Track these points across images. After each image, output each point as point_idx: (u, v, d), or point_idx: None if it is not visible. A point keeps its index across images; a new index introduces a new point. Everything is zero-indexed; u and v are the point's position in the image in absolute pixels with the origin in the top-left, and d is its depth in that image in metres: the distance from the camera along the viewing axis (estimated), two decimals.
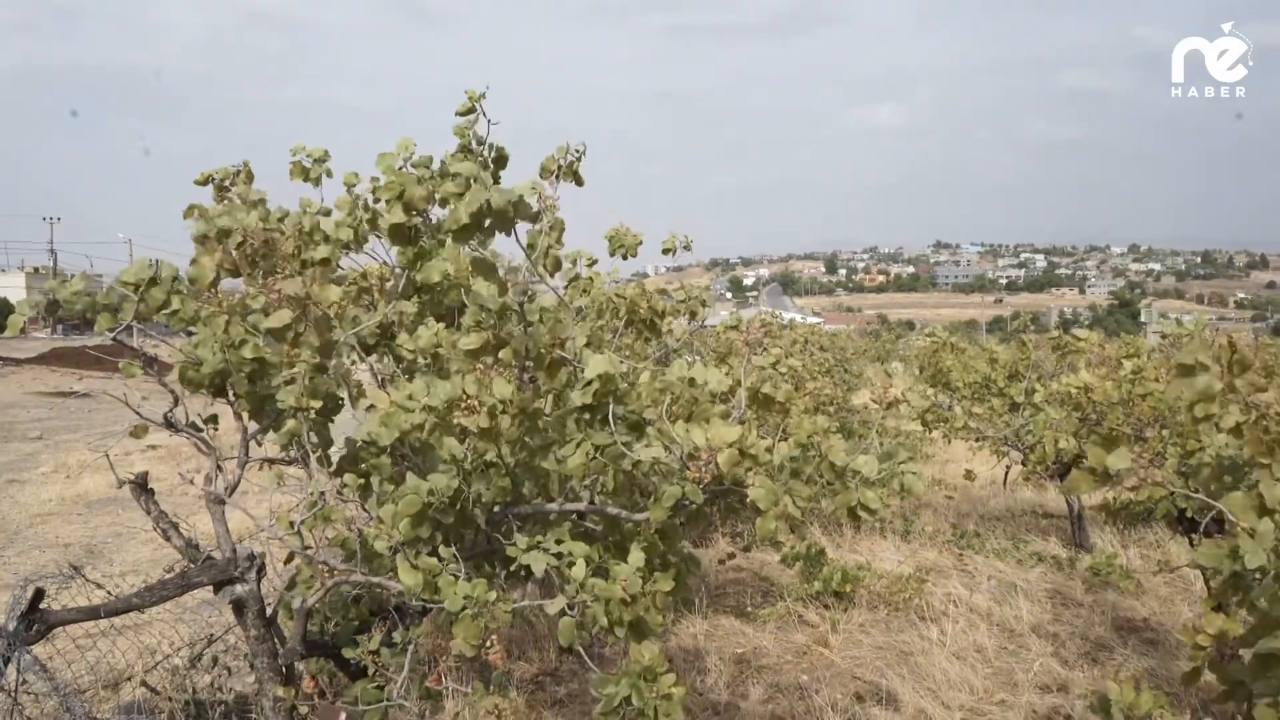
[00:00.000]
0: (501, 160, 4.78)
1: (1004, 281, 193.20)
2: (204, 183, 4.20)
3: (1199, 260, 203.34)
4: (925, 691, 5.49)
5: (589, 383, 3.25)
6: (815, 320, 35.89)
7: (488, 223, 3.27)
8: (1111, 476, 2.69)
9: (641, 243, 4.66)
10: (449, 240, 4.03)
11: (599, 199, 4.72)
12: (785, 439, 3.28)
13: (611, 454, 3.35)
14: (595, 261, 4.78)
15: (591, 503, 3.70)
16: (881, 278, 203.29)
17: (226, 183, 4.24)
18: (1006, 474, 11.50)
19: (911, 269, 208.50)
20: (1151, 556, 8.18)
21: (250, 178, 4.28)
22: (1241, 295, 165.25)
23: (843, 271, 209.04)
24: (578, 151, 4.16)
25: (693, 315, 5.53)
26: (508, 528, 3.43)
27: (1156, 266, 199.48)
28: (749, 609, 6.89)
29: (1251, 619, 2.78)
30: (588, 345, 3.96)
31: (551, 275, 3.90)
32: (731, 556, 7.68)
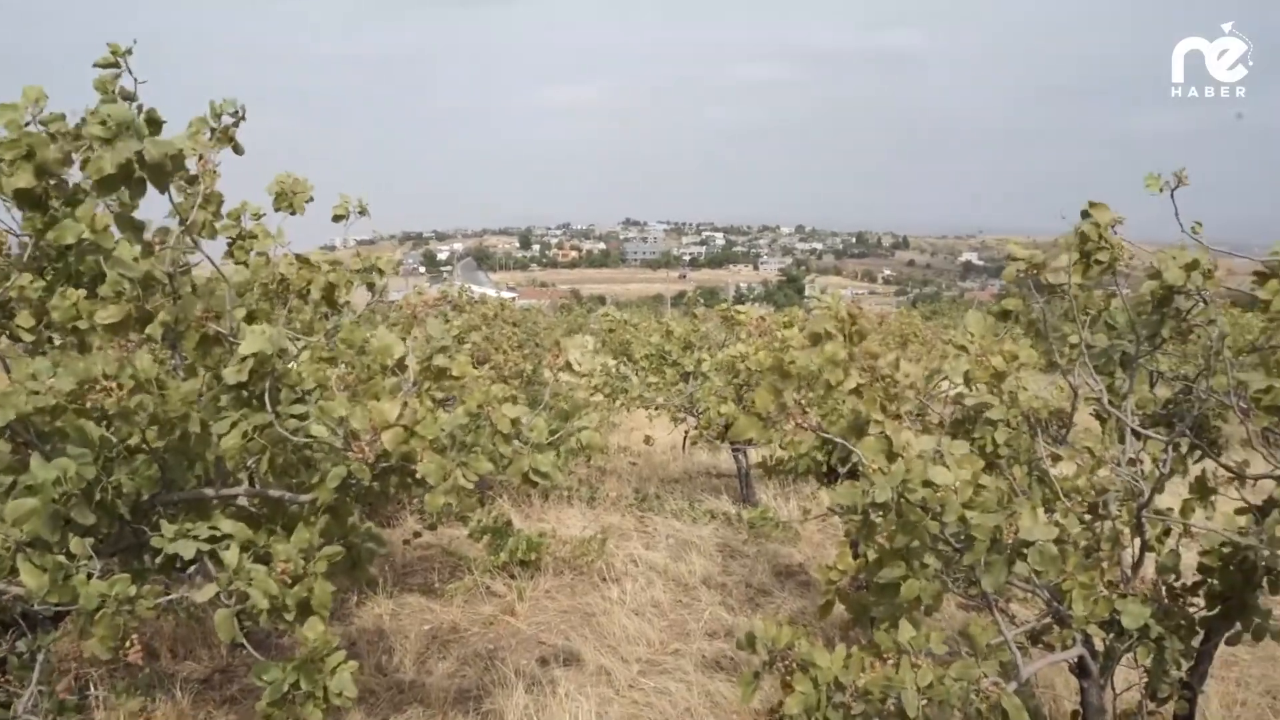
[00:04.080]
0: (155, 123, 4.34)
1: (688, 258, 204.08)
2: None
3: (854, 241, 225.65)
4: (606, 649, 5.74)
5: (243, 359, 3.07)
6: (509, 295, 36.09)
7: (136, 177, 2.99)
8: (774, 421, 2.94)
9: (312, 198, 4.39)
10: (89, 197, 3.63)
11: (280, 166, 4.38)
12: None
13: (271, 435, 3.20)
14: (261, 215, 4.46)
15: (252, 485, 3.52)
16: (575, 253, 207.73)
17: None
18: (685, 438, 12.21)
19: (603, 245, 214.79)
20: (808, 507, 9.03)
21: None
22: (888, 272, 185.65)
23: (537, 247, 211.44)
24: (234, 113, 3.87)
25: (370, 287, 5.36)
26: (157, 518, 3.17)
27: (819, 246, 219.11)
28: (437, 585, 6.85)
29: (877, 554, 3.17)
30: (250, 319, 3.73)
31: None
32: (419, 535, 7.60)
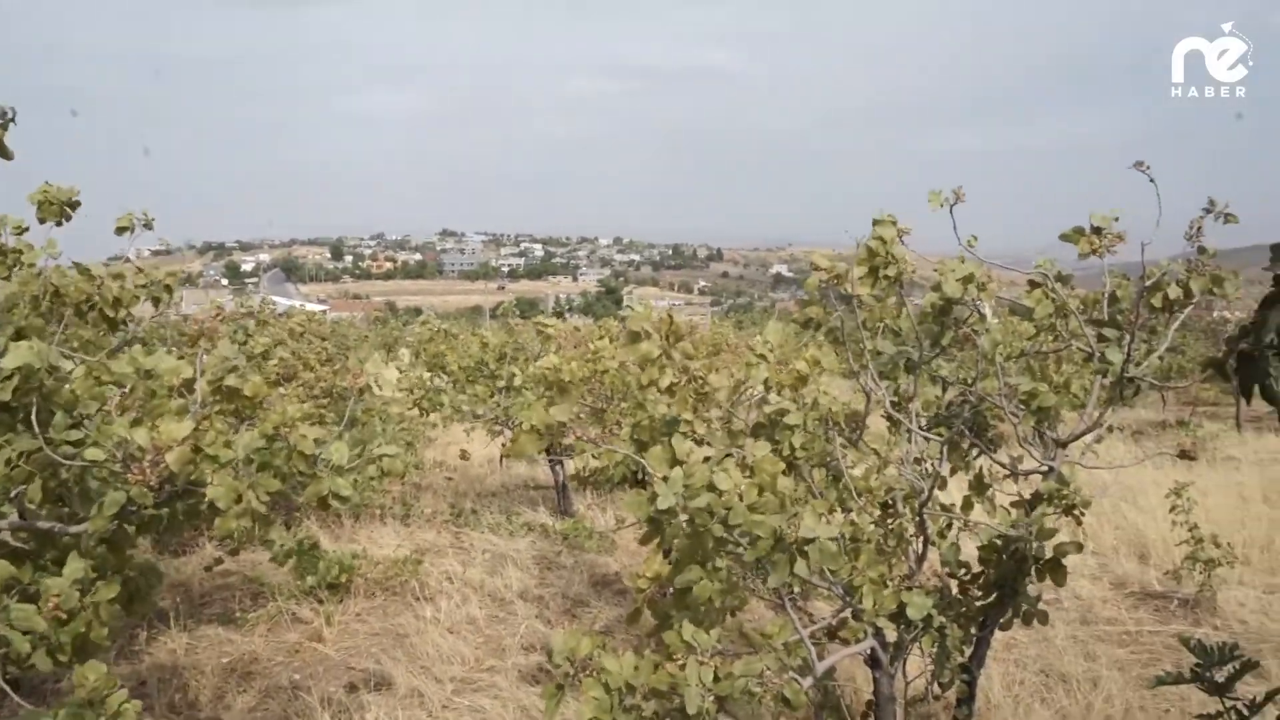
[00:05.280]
0: None
1: (507, 269, 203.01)
2: None
3: (671, 252, 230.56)
4: (419, 670, 5.60)
5: (7, 377, 2.83)
6: (319, 308, 34.83)
7: None
8: (553, 434, 2.96)
9: (80, 203, 4.10)
10: None
11: (65, 175, 4.07)
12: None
13: (40, 460, 2.95)
14: (25, 229, 4.12)
15: (22, 517, 3.23)
16: (390, 264, 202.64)
17: None
18: (502, 452, 12.11)
19: (419, 256, 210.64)
20: (623, 516, 9.13)
21: None
22: (704, 283, 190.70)
23: (350, 258, 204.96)
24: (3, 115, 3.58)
25: (156, 302, 5.03)
26: None
27: (637, 257, 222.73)
28: (238, 614, 6.49)
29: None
30: (20, 336, 3.44)
31: None
32: (219, 562, 7.18)
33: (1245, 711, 2.48)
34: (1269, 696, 2.45)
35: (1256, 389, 1.90)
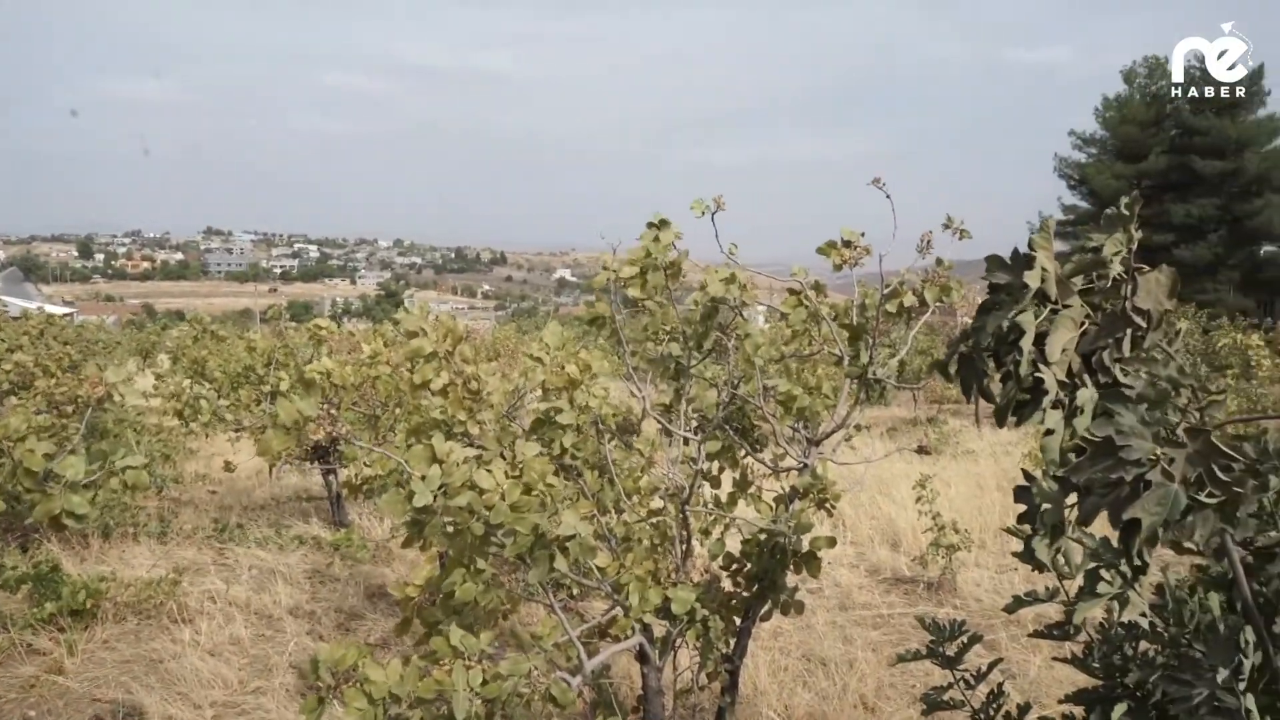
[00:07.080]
0: None
1: (279, 271, 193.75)
2: None
3: (453, 256, 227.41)
4: (175, 696, 5.25)
5: None
6: (64, 310, 31.93)
7: None
8: (302, 431, 2.88)
9: None
10: None
11: None
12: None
13: None
14: None
15: None
16: (147, 264, 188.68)
17: None
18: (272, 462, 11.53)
19: (181, 256, 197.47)
20: (400, 525, 8.90)
21: None
22: (488, 287, 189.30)
23: (101, 256, 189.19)
24: None
25: None
26: None
27: (418, 260, 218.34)
28: None
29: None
30: None
31: None
32: None
33: (972, 681, 2.74)
34: (991, 666, 2.72)
35: (975, 388, 2.09)
